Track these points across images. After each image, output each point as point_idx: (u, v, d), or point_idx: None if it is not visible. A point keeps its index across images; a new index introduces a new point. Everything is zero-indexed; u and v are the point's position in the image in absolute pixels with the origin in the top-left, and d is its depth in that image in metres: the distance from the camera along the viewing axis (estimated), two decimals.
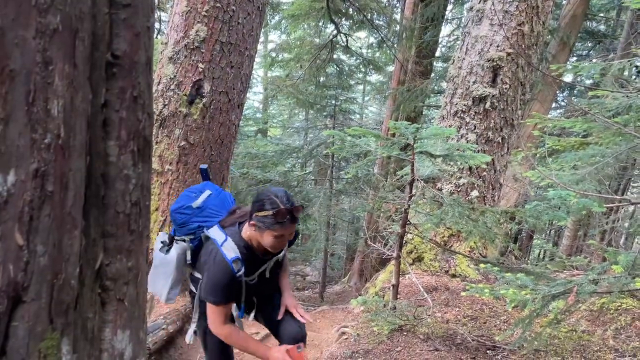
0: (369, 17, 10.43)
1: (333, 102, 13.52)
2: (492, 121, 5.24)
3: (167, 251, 2.29)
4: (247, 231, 2.14)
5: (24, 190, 0.69)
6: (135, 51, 0.90)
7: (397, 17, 11.29)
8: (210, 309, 2.11)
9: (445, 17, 10.30)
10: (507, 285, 2.69)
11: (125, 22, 0.88)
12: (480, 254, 5.22)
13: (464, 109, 5.32)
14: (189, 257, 2.29)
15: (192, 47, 4.53)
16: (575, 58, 12.02)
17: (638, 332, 3.32)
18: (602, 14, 11.97)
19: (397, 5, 11.75)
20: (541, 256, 15.80)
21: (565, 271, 4.98)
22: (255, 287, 2.28)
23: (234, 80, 4.81)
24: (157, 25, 10.00)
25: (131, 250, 0.96)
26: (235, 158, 10.66)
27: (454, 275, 4.95)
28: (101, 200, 0.90)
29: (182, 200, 2.31)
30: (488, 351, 3.32)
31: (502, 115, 5.26)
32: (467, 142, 5.18)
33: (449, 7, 10.60)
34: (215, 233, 2.15)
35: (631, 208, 10.14)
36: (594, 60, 11.02)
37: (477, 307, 4.19)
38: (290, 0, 11.61)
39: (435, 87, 10.76)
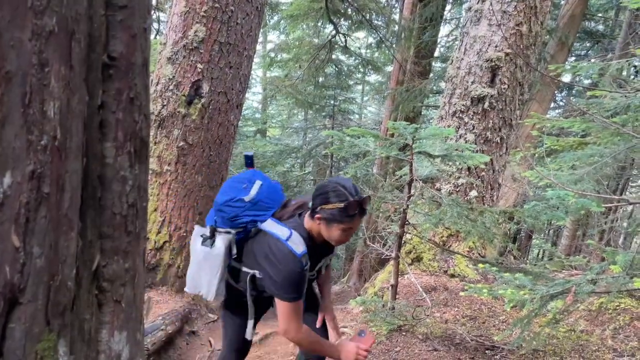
0: (367, 18, 10.44)
1: (332, 102, 13.53)
2: (491, 121, 5.25)
3: (212, 244, 2.12)
4: (308, 224, 2.02)
5: (20, 192, 0.69)
6: (132, 52, 0.90)
7: (396, 17, 11.30)
8: (287, 308, 1.95)
9: (444, 17, 10.31)
10: (505, 285, 2.69)
11: (121, 24, 0.88)
12: (479, 253, 5.22)
13: (462, 109, 5.33)
14: (234, 249, 2.13)
15: (190, 47, 4.53)
16: (573, 58, 12.04)
17: (636, 332, 3.33)
18: (600, 14, 11.99)
19: (396, 5, 11.76)
20: (540, 256, 15.82)
21: (564, 271, 4.98)
22: (310, 283, 2.15)
23: (233, 80, 4.82)
24: (155, 25, 10.00)
25: (128, 251, 0.96)
26: (234, 158, 10.66)
27: (452, 275, 4.95)
28: (98, 201, 0.90)
29: (231, 192, 2.12)
30: (487, 351, 3.33)
31: (500, 116, 5.27)
32: (466, 142, 5.19)
33: (448, 7, 10.60)
34: (274, 227, 2.00)
35: (630, 208, 10.16)
36: (592, 60, 11.04)
37: (476, 307, 4.19)
38: (289, 1, 11.62)
39: (434, 87, 10.78)
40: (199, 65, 4.56)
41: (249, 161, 2.34)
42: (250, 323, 2.22)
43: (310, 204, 1.99)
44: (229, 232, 2.11)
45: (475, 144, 5.22)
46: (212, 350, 4.16)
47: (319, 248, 2.08)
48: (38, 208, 0.72)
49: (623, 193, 10.68)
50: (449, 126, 5.36)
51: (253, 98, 19.72)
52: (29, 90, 0.69)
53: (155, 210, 4.65)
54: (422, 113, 11.66)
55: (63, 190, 0.76)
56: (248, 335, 2.23)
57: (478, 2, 5.37)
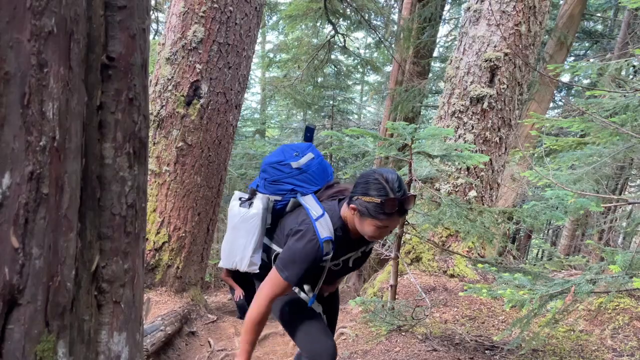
0: (366, 18, 10.45)
1: (331, 102, 13.54)
2: (490, 121, 5.25)
3: (250, 205, 2.03)
4: (345, 212, 1.89)
5: (19, 192, 0.69)
6: (131, 53, 0.90)
7: (395, 17, 11.31)
8: (275, 279, 1.83)
9: (443, 17, 10.33)
10: (505, 285, 2.70)
11: (120, 24, 0.88)
12: (479, 254, 5.22)
13: (461, 109, 5.33)
14: (269, 219, 2.05)
15: (189, 47, 4.53)
16: (572, 58, 12.06)
17: (636, 332, 3.33)
18: (599, 14, 12.01)
19: (395, 5, 11.76)
20: (539, 256, 15.83)
21: (563, 271, 4.99)
22: (333, 274, 2.01)
23: (232, 81, 4.81)
24: (154, 26, 10.00)
25: (127, 252, 0.96)
26: (233, 159, 10.66)
27: (452, 276, 4.95)
28: (97, 202, 0.89)
29: (281, 155, 2.04)
30: (486, 351, 3.33)
31: (499, 115, 5.27)
32: (465, 142, 5.19)
33: (447, 7, 10.62)
34: (311, 203, 1.90)
35: (628, 207, 10.17)
36: (591, 60, 11.05)
37: (475, 307, 4.19)
38: (288, 1, 11.63)
39: (433, 88, 10.79)
40: (197, 66, 4.55)
41: (309, 134, 2.23)
42: (308, 295, 2.06)
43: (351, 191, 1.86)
44: (268, 199, 2.04)
45: (474, 144, 5.22)
46: (211, 351, 4.15)
47: (351, 239, 1.93)
48: (37, 209, 0.72)
49: (622, 193, 10.69)
50: (448, 126, 5.37)
51: (252, 98, 19.73)
52: (27, 91, 0.68)
53: (155, 210, 4.65)
54: (421, 113, 11.67)
55: (62, 191, 0.76)
56: (311, 304, 2.04)
57: (477, 2, 5.37)
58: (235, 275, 5.74)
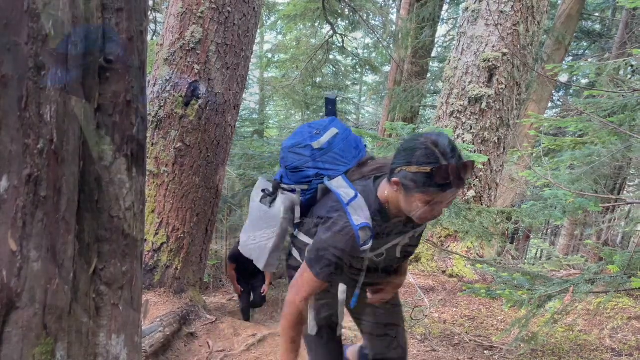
0: (364, 18, 10.45)
1: None
2: (488, 121, 5.26)
3: (271, 203, 1.78)
4: (385, 190, 1.56)
5: (17, 195, 0.69)
6: (129, 55, 0.90)
7: (393, 17, 11.31)
8: (307, 276, 1.56)
9: (441, 17, 10.34)
10: (503, 285, 2.70)
11: (118, 27, 0.88)
12: (477, 254, 5.23)
13: (460, 109, 5.33)
14: (297, 213, 1.76)
15: (187, 48, 4.52)
16: (570, 58, 12.07)
17: (634, 331, 3.33)
18: (597, 14, 12.02)
19: (393, 5, 11.77)
20: (538, 256, 15.84)
21: (562, 270, 4.99)
22: (378, 267, 1.72)
23: (230, 81, 4.81)
24: (152, 26, 10.00)
25: (126, 254, 0.96)
26: (231, 159, 10.65)
27: (451, 276, 4.96)
28: (95, 204, 0.89)
29: (299, 136, 1.75)
30: (485, 351, 3.33)
31: (498, 116, 5.27)
32: (464, 142, 5.19)
33: (445, 7, 10.63)
34: (340, 186, 1.61)
35: (627, 207, 10.18)
36: (589, 60, 11.07)
37: (475, 307, 4.19)
38: (286, 1, 11.63)
39: (432, 88, 10.80)
40: (196, 66, 4.55)
41: (330, 106, 1.92)
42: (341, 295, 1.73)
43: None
44: (293, 191, 1.76)
45: (473, 144, 5.22)
46: (210, 352, 4.15)
47: (392, 223, 1.61)
48: (35, 211, 0.72)
49: (620, 192, 10.70)
50: (446, 126, 5.37)
51: (250, 99, 19.70)
52: (25, 94, 0.68)
53: (153, 211, 4.64)
54: (420, 113, 11.68)
55: (60, 194, 0.76)
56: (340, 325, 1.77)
57: (475, 2, 5.38)
58: (240, 269, 5.59)
